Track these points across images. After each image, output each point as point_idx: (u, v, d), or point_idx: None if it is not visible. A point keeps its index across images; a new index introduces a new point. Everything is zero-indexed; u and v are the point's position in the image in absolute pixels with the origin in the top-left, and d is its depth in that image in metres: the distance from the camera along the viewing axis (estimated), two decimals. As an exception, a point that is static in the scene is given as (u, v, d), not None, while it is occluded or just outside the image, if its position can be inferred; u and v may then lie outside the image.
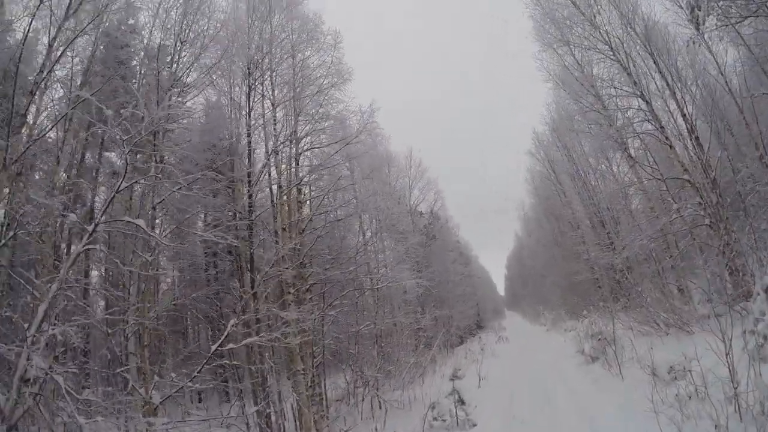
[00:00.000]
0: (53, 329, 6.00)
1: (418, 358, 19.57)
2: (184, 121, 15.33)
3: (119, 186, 6.74)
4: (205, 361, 8.10)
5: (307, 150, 14.80)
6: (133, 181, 7.41)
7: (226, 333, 7.91)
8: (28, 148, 9.29)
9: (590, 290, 27.42)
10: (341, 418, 14.27)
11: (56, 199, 7.32)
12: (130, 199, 13.59)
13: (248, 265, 13.11)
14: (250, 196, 13.32)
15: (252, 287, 12.81)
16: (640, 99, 14.93)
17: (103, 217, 7.27)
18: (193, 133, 14.17)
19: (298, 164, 14.52)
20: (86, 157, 14.08)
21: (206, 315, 16.34)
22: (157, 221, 15.73)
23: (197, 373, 8.00)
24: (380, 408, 14.11)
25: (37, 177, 12.71)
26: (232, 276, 14.93)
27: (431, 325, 24.74)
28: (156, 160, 9.27)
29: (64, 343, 6.80)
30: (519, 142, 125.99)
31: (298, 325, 12.80)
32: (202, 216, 17.02)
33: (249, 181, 13.44)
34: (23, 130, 11.00)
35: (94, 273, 15.81)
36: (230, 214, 13.86)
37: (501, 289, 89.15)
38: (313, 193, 15.37)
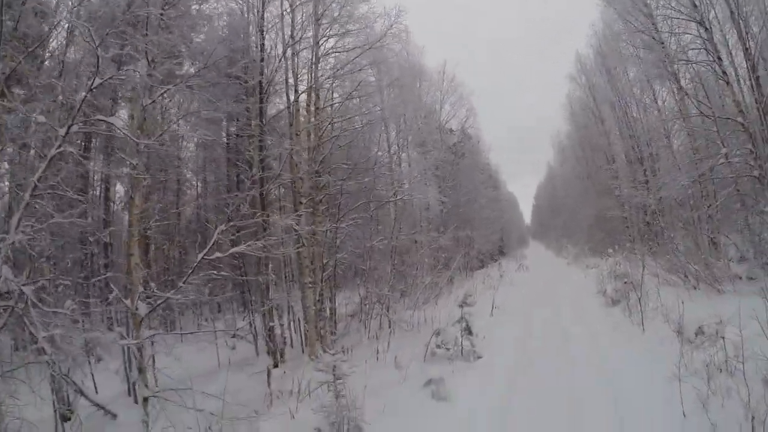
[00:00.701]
0: (15, 236, 5.51)
1: (435, 278, 19.24)
2: (204, 28, 14.48)
3: (92, 83, 6.01)
4: (190, 271, 7.64)
5: (328, 54, 13.82)
6: (108, 77, 6.61)
7: (212, 241, 7.33)
8: (19, 63, 8.64)
9: (617, 229, 26.61)
10: (347, 335, 14.22)
11: (33, 105, 6.60)
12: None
13: (259, 171, 12.56)
14: (261, 98, 12.50)
15: (261, 194, 12.33)
16: (698, 25, 13.32)
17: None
18: (211, 42, 13.20)
19: (317, 67, 13.58)
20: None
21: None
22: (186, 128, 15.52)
23: (182, 284, 7.58)
24: (389, 327, 13.92)
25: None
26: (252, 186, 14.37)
27: (452, 246, 24.28)
28: (148, 60, 8.37)
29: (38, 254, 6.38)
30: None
31: (297, 234, 12.41)
32: (225, 125, 16.57)
33: (260, 83, 12.58)
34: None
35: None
36: (247, 121, 13.22)
37: (527, 218, 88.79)
38: (334, 98, 14.46)
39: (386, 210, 17.73)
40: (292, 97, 13.46)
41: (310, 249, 13.01)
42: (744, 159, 12.52)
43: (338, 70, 13.86)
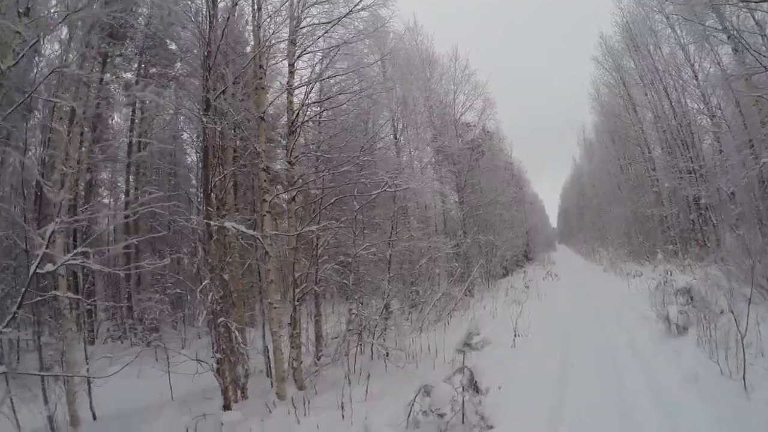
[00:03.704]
0: None
1: (448, 291, 15.66)
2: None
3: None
4: (21, 295, 4.63)
5: (306, 25, 10.66)
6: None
7: (44, 247, 4.36)
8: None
9: (655, 230, 22.94)
10: (336, 362, 10.80)
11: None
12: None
13: (203, 164, 9.38)
14: (207, 71, 9.26)
15: (208, 189, 9.11)
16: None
17: None
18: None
19: (295, 35, 10.55)
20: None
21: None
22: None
23: (15, 312, 4.60)
24: (386, 357, 10.48)
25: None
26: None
27: (473, 252, 20.74)
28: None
29: None
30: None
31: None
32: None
33: (207, 46, 9.34)
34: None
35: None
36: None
37: (553, 221, 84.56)
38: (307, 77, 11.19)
39: (389, 211, 14.25)
40: (257, 72, 10.31)
41: (278, 259, 9.78)
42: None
43: (318, 38, 10.74)
